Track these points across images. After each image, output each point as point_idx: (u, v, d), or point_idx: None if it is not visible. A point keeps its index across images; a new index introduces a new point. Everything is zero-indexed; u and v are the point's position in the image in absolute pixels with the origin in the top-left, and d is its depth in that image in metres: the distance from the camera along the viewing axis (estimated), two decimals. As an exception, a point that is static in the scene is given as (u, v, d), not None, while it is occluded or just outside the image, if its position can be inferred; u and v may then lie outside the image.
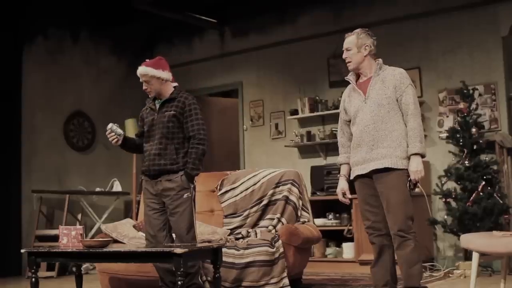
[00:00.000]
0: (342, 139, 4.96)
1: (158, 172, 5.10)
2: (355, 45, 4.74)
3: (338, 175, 5.01)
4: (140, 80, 5.19)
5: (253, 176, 6.44)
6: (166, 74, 5.17)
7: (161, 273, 5.17)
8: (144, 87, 5.20)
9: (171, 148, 5.09)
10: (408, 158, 4.59)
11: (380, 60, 4.80)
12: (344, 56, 4.82)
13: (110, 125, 5.17)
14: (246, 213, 6.26)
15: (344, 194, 4.90)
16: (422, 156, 4.60)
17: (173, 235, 5.18)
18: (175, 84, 5.30)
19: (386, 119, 4.62)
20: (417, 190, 4.79)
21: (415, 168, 4.55)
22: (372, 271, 4.78)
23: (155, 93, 5.19)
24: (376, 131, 4.63)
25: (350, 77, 4.88)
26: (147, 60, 5.24)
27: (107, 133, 5.19)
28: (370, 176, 4.68)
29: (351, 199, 5.12)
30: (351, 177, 4.85)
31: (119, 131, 5.19)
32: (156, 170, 5.10)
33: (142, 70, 5.16)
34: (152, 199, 5.17)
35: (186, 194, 5.05)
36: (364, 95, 4.71)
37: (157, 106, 5.21)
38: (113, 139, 5.17)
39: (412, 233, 4.56)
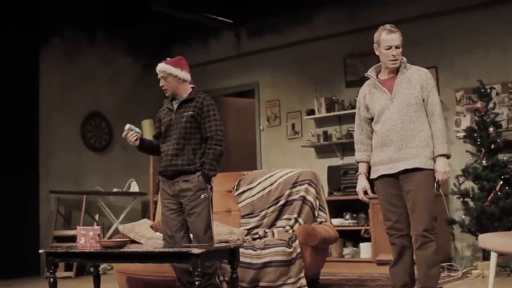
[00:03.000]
0: (361, 136, 4.86)
1: (175, 173, 5.10)
2: (401, 42, 4.65)
3: (357, 174, 4.93)
4: (158, 76, 5.21)
5: (270, 176, 6.44)
6: (184, 74, 5.18)
7: (178, 274, 5.18)
8: (160, 84, 5.20)
9: (188, 148, 5.09)
10: (434, 158, 4.58)
11: (404, 59, 4.72)
12: (393, 53, 4.61)
13: (128, 126, 5.17)
14: (263, 213, 6.27)
15: (365, 193, 4.86)
16: (448, 157, 4.58)
17: (191, 235, 5.18)
18: (193, 85, 5.30)
19: (414, 119, 4.59)
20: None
21: (443, 169, 4.54)
22: (391, 271, 4.74)
23: (171, 92, 5.20)
24: (404, 130, 4.58)
25: (371, 73, 4.78)
26: (168, 58, 5.27)
27: (125, 133, 5.15)
28: (396, 176, 4.64)
29: (369, 199, 5.05)
30: (374, 176, 4.77)
31: (137, 129, 5.20)
32: (173, 170, 5.10)
33: (161, 66, 5.18)
34: (169, 199, 5.18)
35: (203, 195, 5.05)
36: (390, 93, 4.66)
37: (175, 106, 5.21)
38: (133, 137, 5.15)
39: (435, 234, 4.54)
